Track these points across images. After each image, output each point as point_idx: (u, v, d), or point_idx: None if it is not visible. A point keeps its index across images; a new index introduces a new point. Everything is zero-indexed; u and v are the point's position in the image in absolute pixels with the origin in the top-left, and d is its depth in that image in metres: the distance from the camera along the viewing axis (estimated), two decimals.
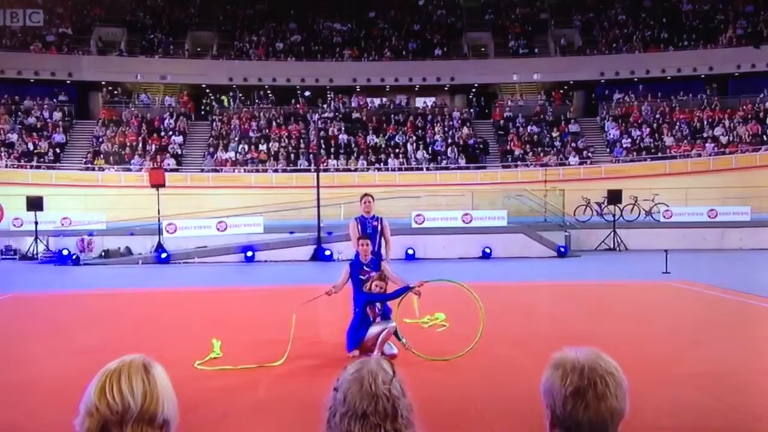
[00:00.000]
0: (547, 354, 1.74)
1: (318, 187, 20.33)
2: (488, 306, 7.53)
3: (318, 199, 20.05)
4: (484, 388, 6.21)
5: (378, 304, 7.22)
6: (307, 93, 37.80)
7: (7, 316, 10.85)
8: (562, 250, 19.83)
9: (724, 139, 32.98)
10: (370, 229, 7.86)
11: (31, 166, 31.50)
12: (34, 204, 21.38)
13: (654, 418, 5.07)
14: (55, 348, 8.14)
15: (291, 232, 22.25)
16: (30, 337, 8.78)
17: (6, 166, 31.22)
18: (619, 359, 1.63)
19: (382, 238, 8.05)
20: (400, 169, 32.52)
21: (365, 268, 7.39)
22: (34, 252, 21.16)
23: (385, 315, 7.26)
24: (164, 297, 12.87)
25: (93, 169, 31.90)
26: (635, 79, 36.56)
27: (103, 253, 20.57)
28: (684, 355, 7.58)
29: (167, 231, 20.47)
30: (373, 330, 7.03)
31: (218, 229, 20.66)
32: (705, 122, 34.23)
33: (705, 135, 33.55)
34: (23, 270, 18.71)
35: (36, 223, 21.19)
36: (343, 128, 34.76)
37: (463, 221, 20.90)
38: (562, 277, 15.30)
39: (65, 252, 19.99)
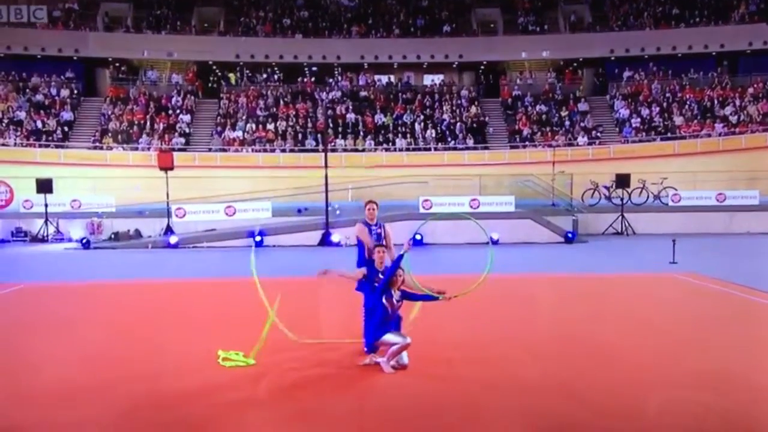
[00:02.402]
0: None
1: (326, 167, 20.35)
2: (492, 301, 7.55)
3: (326, 184, 20.09)
4: (490, 398, 6.29)
5: (395, 297, 7.21)
6: (314, 68, 37.56)
7: (18, 310, 10.95)
8: (570, 235, 19.85)
9: (733, 119, 32.68)
10: (374, 235, 7.90)
11: (40, 145, 31.57)
12: (44, 187, 21.56)
13: (654, 416, 5.15)
14: (65, 343, 8.29)
15: (299, 210, 22.38)
16: (40, 332, 8.92)
17: (15, 144, 31.31)
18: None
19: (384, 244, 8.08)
20: (407, 149, 32.43)
21: (380, 275, 7.44)
22: (45, 234, 21.39)
23: (399, 318, 7.31)
24: (171, 288, 12.98)
25: (101, 148, 31.96)
26: (645, 57, 36.19)
27: (112, 236, 20.75)
28: (685, 354, 7.68)
29: (176, 215, 20.61)
30: (390, 337, 7.06)
31: (227, 214, 20.79)
32: (715, 101, 33.91)
33: (715, 114, 33.27)
34: (34, 255, 18.84)
35: (46, 205, 21.39)
36: (350, 107, 34.62)
37: (471, 206, 20.90)
38: (567, 267, 15.33)
39: (75, 235, 20.17)
